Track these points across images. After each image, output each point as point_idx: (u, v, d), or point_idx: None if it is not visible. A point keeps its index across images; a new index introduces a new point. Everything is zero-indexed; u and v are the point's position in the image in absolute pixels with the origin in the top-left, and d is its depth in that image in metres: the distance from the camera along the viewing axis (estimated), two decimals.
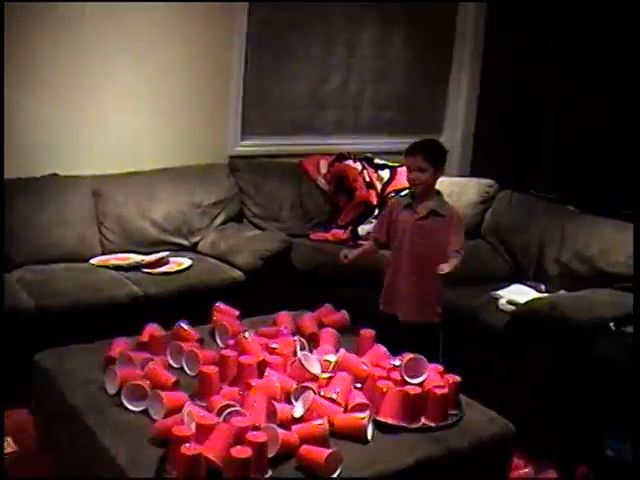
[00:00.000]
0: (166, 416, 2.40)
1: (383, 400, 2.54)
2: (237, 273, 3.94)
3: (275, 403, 2.42)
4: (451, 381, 2.66)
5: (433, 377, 2.66)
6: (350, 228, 4.65)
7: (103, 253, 4.06)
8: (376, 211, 4.63)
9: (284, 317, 3.19)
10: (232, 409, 2.35)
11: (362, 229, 4.58)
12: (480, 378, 3.23)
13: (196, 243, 4.32)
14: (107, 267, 3.87)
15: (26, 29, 3.90)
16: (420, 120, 5.45)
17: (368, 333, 3.01)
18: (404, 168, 4.78)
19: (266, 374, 2.62)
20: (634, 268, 3.19)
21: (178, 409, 2.40)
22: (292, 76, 4.91)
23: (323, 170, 4.82)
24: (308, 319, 3.17)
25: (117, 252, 4.06)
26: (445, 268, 3.10)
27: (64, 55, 4.07)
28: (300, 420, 2.42)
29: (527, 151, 5.13)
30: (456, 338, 3.44)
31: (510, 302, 3.67)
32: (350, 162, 4.83)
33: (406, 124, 5.34)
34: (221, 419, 2.30)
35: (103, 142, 4.27)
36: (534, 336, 3.37)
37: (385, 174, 4.80)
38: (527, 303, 3.55)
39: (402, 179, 4.67)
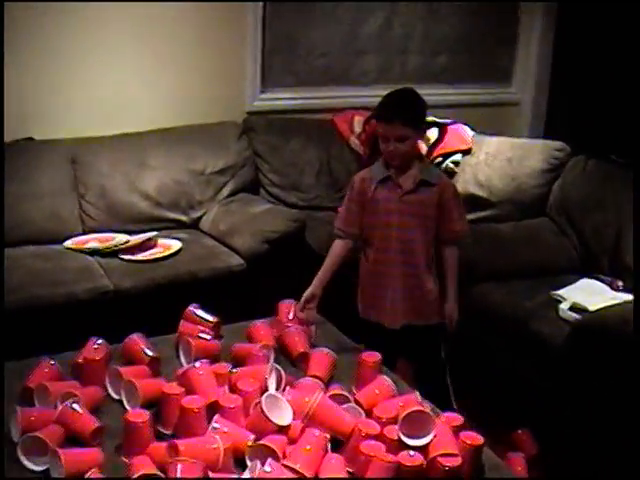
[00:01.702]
0: None
1: (367, 470, 1.86)
2: (236, 260, 3.32)
3: (211, 475, 1.80)
4: (469, 443, 1.93)
5: (442, 438, 1.93)
6: None
7: (84, 232, 3.55)
8: None
9: (261, 328, 2.52)
10: None
11: None
12: (527, 407, 2.86)
13: (198, 219, 3.72)
14: (82, 251, 3.36)
15: None
16: (483, 66, 4.79)
17: (371, 358, 2.32)
18: (457, 126, 4.11)
19: (214, 425, 1.96)
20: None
21: (88, 471, 1.83)
22: (324, 15, 4.28)
23: (357, 129, 4.15)
24: (297, 333, 2.48)
25: (100, 231, 3.54)
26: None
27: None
28: None
29: (613, 107, 4.41)
30: (498, 351, 3.06)
31: (574, 307, 2.96)
32: None
33: (465, 71, 4.72)
34: None
35: (85, 98, 3.74)
36: (601, 357, 2.68)
37: (432, 134, 4.06)
38: (597, 312, 2.85)
39: (453, 140, 4.03)
